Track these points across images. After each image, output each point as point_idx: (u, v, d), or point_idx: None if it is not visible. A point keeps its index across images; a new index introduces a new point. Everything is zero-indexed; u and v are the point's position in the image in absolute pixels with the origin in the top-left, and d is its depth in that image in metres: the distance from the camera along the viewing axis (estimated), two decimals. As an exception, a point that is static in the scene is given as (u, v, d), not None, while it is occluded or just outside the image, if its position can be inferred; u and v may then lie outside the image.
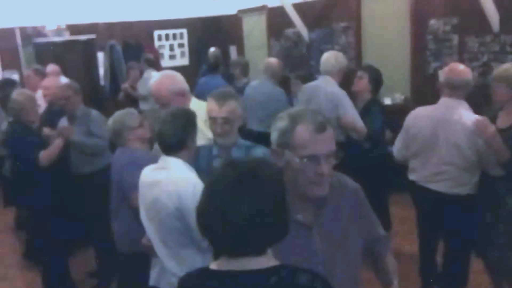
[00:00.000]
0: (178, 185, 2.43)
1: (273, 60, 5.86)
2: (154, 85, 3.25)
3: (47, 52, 9.00)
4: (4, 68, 8.20)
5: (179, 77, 3.29)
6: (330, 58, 4.53)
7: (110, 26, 9.35)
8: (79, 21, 9.03)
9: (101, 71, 9.33)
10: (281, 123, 1.67)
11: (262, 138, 5.41)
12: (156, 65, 8.01)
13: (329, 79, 4.47)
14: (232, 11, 9.75)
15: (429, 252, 3.85)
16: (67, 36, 9.14)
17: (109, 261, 4.18)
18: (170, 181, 2.46)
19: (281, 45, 8.65)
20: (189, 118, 2.58)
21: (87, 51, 9.42)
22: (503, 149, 3.12)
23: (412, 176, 3.64)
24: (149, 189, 2.57)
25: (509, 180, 3.22)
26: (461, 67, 3.48)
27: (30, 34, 8.79)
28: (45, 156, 4.06)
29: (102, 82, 9.33)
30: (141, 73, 7.93)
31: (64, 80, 7.09)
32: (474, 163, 3.30)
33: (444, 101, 3.43)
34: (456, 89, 3.37)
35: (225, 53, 9.80)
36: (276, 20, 8.53)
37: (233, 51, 9.96)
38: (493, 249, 3.41)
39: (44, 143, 4.20)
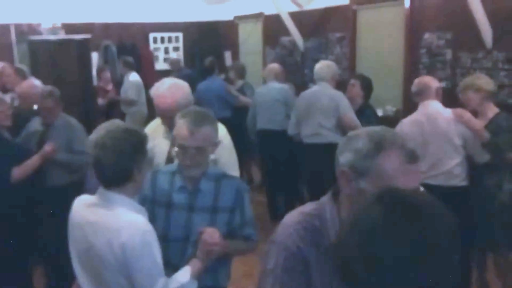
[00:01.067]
0: (122, 233, 1.87)
1: (273, 64, 6.42)
2: (162, 96, 2.81)
3: (41, 50, 8.97)
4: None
5: (187, 89, 2.93)
6: (323, 66, 5.03)
7: (106, 27, 9.34)
8: (74, 20, 9.02)
9: (95, 71, 9.31)
10: (360, 143, 1.40)
11: (271, 136, 5.71)
12: (133, 67, 7.96)
13: (327, 85, 4.93)
14: (229, 17, 9.77)
15: None
16: (62, 35, 9.11)
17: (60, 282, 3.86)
18: (111, 226, 1.91)
19: (276, 53, 8.68)
20: (138, 142, 1.99)
21: (81, 50, 9.38)
22: (482, 129, 3.66)
23: None
24: (81, 231, 2.00)
25: (495, 173, 3.66)
26: (424, 77, 4.25)
27: (25, 31, 8.76)
28: (18, 174, 3.75)
29: (95, 82, 9.31)
30: (115, 75, 7.98)
31: (36, 82, 7.13)
32: (462, 150, 3.72)
33: (421, 105, 3.99)
34: (422, 93, 3.98)
35: (220, 59, 9.83)
36: (272, 28, 8.56)
37: (228, 57, 9.98)
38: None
39: (18, 152, 3.89)
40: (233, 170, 2.95)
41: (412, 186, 1.35)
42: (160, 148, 2.83)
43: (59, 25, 9.04)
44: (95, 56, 9.36)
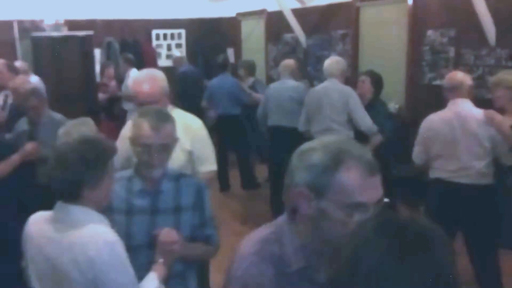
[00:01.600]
0: (88, 247, 1.75)
1: (288, 60, 6.24)
2: (143, 82, 2.82)
3: (44, 46, 8.97)
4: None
5: (165, 78, 2.96)
6: (333, 62, 5.07)
7: (108, 23, 9.34)
8: (77, 16, 9.03)
9: (98, 67, 9.31)
10: (315, 158, 1.28)
11: (283, 133, 5.71)
12: (134, 64, 7.95)
13: (336, 81, 4.95)
14: (231, 13, 9.76)
15: None
16: (64, 31, 9.12)
17: None
18: (75, 242, 1.78)
19: (278, 50, 8.67)
20: (93, 155, 1.84)
21: (84, 47, 9.38)
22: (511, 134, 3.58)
23: (435, 174, 3.83)
24: (41, 251, 1.86)
25: None
26: (458, 73, 3.97)
27: (28, 28, 8.76)
28: None
29: (98, 79, 9.31)
30: (117, 72, 7.98)
31: (34, 79, 7.13)
32: (490, 151, 3.64)
33: (451, 102, 3.79)
34: (455, 90, 3.77)
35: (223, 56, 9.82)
36: (275, 24, 8.55)
37: (230, 54, 9.97)
38: None
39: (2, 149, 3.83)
40: (209, 162, 2.99)
41: (375, 200, 1.27)
42: None
43: (62, 21, 9.04)
44: (97, 53, 9.36)
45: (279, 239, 1.36)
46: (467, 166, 3.65)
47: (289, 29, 8.00)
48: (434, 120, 3.84)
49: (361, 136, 4.68)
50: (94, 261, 1.74)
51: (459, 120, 3.69)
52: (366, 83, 5.04)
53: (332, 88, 4.91)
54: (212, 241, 2.33)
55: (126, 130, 2.79)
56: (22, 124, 4.25)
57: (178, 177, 2.25)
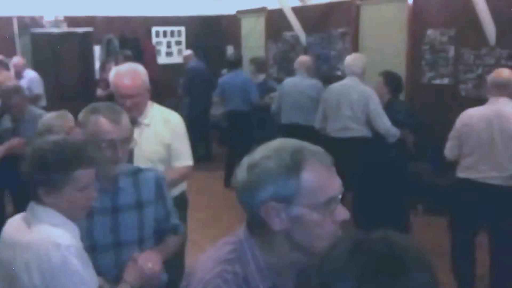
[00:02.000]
0: (38, 251, 1.65)
1: (304, 57, 6.22)
2: (124, 76, 2.77)
3: (43, 43, 8.98)
4: (-1, 57, 8.15)
5: (146, 73, 2.92)
6: (354, 59, 4.96)
7: (108, 20, 9.33)
8: (77, 13, 9.01)
9: (97, 64, 9.30)
10: (272, 165, 1.18)
11: (299, 131, 5.59)
12: (133, 61, 7.92)
13: (357, 79, 4.86)
14: (231, 11, 9.75)
15: (470, 250, 3.86)
16: (64, 28, 9.11)
17: None
18: (30, 245, 1.68)
19: (278, 48, 8.67)
20: (55, 155, 1.73)
21: (83, 43, 9.39)
22: None
23: (463, 174, 3.72)
24: (5, 253, 1.77)
25: None
26: (505, 70, 3.78)
27: (27, 24, 8.75)
28: None
29: (97, 76, 9.30)
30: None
31: (31, 73, 7.12)
32: None
33: (492, 100, 3.64)
34: (500, 87, 3.61)
35: (223, 53, 9.82)
36: (275, 22, 8.54)
37: (230, 51, 9.96)
38: None
39: None
40: (186, 157, 3.00)
41: (340, 189, 1.21)
42: None
43: (61, 18, 9.03)
44: (97, 50, 9.34)
45: (241, 257, 1.25)
46: (502, 168, 3.54)
47: (289, 27, 7.99)
48: (472, 115, 3.68)
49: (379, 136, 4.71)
50: (42, 265, 1.64)
51: (499, 119, 3.53)
52: (380, 84, 4.92)
53: (352, 87, 4.81)
54: (180, 231, 2.32)
55: None
56: (5, 122, 4.31)
57: (136, 172, 2.18)
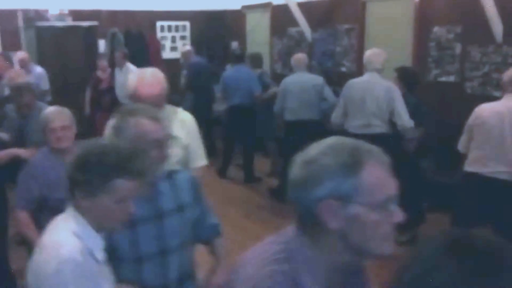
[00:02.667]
0: (41, 256, 1.62)
1: (301, 54, 6.33)
2: (151, 85, 2.70)
3: (48, 36, 8.98)
4: (4, 50, 8.15)
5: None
6: (375, 54, 4.91)
7: (113, 14, 9.31)
8: (82, 7, 9.00)
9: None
10: (330, 163, 1.17)
11: (305, 126, 5.73)
12: (129, 59, 7.91)
13: (378, 75, 4.83)
14: (236, 6, 9.72)
15: None
16: (69, 22, 9.10)
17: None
18: (41, 246, 1.67)
19: (283, 44, 8.64)
20: (96, 158, 1.65)
21: (88, 37, 9.38)
22: None
23: (471, 168, 3.73)
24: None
25: None
26: None
27: (32, 17, 8.74)
28: None
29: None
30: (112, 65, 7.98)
31: (38, 69, 7.12)
32: None
33: (508, 96, 3.65)
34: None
35: (227, 49, 9.79)
36: (280, 18, 8.51)
37: (235, 46, 9.94)
38: None
39: None
40: (202, 157, 3.00)
41: (396, 188, 1.20)
42: None
43: (66, 11, 9.02)
44: (101, 44, 9.33)
45: (290, 258, 1.22)
46: (510, 163, 3.55)
47: (294, 22, 7.96)
48: (484, 109, 3.70)
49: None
50: (39, 269, 1.61)
51: (511, 114, 3.56)
52: (395, 80, 4.95)
53: (377, 83, 4.78)
54: (220, 229, 2.32)
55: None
56: (11, 112, 4.35)
57: (169, 174, 2.12)
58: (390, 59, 6.44)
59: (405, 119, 4.67)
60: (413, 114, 4.73)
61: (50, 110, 3.13)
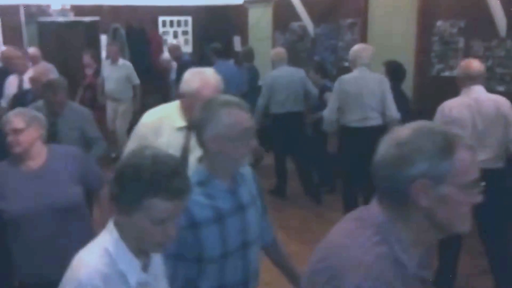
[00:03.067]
0: (65, 275, 1.52)
1: (280, 49, 6.59)
2: (216, 87, 2.64)
3: (50, 32, 8.97)
4: (6, 46, 8.14)
5: None
6: (367, 51, 5.04)
7: (115, 9, 9.29)
8: (84, 2, 8.98)
9: (103, 53, 9.28)
10: (427, 144, 1.26)
11: (292, 118, 5.97)
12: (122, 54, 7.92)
13: (368, 70, 4.99)
14: (239, 1, 9.69)
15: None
16: (71, 17, 9.09)
17: None
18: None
19: (285, 39, 8.61)
20: (134, 170, 1.47)
21: (90, 33, 9.37)
22: None
23: None
24: None
25: None
26: (475, 61, 3.98)
27: (34, 13, 8.73)
28: None
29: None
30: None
31: (47, 66, 7.10)
32: (506, 133, 3.74)
33: (466, 90, 3.84)
34: (476, 78, 3.84)
35: (230, 44, 9.77)
36: (282, 12, 8.49)
37: (237, 41, 9.92)
38: None
39: None
40: None
41: (478, 173, 1.29)
42: (174, 145, 2.63)
43: (68, 7, 9.00)
44: (103, 39, 9.32)
45: (387, 240, 1.28)
46: (484, 150, 3.65)
47: (297, 17, 7.94)
48: (452, 107, 3.82)
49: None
50: (61, 284, 1.51)
51: (479, 106, 3.73)
52: (384, 73, 5.16)
53: (370, 77, 4.95)
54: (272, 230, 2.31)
55: (152, 122, 2.72)
56: (38, 109, 4.00)
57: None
58: (392, 54, 6.43)
59: (394, 111, 4.86)
60: (399, 107, 4.97)
61: (10, 112, 2.87)
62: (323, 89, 6.08)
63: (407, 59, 6.27)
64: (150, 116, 2.78)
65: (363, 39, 6.97)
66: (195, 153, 2.54)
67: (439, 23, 5.91)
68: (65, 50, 9.19)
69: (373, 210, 1.35)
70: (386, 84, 4.93)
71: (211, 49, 7.51)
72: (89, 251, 1.52)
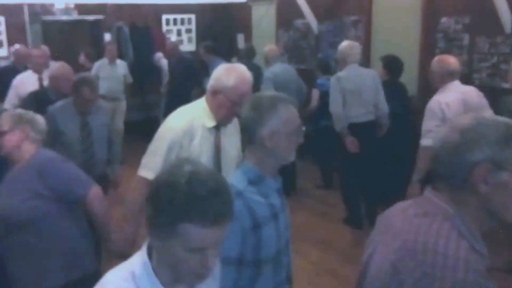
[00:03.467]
0: None
1: (273, 45, 6.74)
2: (250, 81, 2.62)
3: (54, 31, 8.97)
4: (10, 45, 8.15)
5: None
6: (356, 48, 5.17)
7: (118, 8, 9.28)
8: (87, 0, 8.97)
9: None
10: (492, 131, 1.33)
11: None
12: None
13: (359, 66, 5.15)
14: (242, -1, 9.68)
15: None
16: (75, 16, 9.09)
17: None
18: None
19: (289, 36, 8.60)
20: (167, 194, 1.29)
21: (94, 31, 9.37)
22: None
23: None
24: None
25: None
26: (451, 58, 4.19)
27: (38, 12, 8.74)
28: None
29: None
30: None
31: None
32: None
33: (449, 85, 4.00)
34: (454, 74, 4.04)
35: (233, 41, 9.76)
36: (286, 10, 8.47)
37: (240, 39, 9.90)
38: None
39: None
40: None
41: None
42: (205, 145, 2.60)
43: (72, 5, 9.00)
44: (107, 37, 9.32)
45: (461, 232, 1.34)
46: None
47: (300, 15, 7.92)
48: (448, 103, 3.89)
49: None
50: None
51: (468, 98, 3.93)
52: (380, 68, 5.41)
53: (364, 73, 5.13)
54: None
55: (183, 124, 2.59)
56: (69, 107, 4.01)
57: None
58: (397, 51, 6.41)
59: (385, 105, 5.08)
60: (397, 100, 5.21)
61: (8, 111, 2.84)
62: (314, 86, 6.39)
63: (412, 55, 6.26)
64: (179, 120, 2.62)
65: (367, 36, 6.95)
66: (226, 151, 2.62)
67: (443, 19, 5.89)
68: (69, 49, 9.19)
69: (436, 203, 1.40)
70: (378, 78, 5.14)
71: (202, 47, 7.51)
72: (116, 272, 1.39)
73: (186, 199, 1.24)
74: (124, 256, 2.53)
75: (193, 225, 1.23)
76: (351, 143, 4.99)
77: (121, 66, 7.78)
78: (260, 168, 1.89)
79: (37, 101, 4.35)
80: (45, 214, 2.53)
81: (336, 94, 5.06)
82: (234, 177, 1.88)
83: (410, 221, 1.41)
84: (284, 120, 1.85)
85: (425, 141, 3.87)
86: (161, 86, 8.61)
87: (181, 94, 7.12)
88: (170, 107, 3.47)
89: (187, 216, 1.23)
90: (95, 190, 2.68)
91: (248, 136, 1.89)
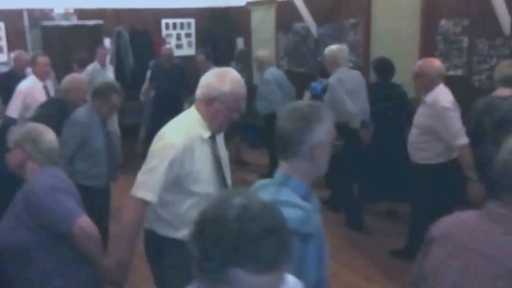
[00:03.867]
0: None
1: (266, 50, 7.00)
2: (243, 85, 2.52)
3: (53, 36, 8.98)
4: (10, 50, 8.15)
5: None
6: (345, 51, 5.38)
7: (118, 13, 9.29)
8: (87, 5, 8.99)
9: (108, 57, 9.28)
10: None
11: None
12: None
13: (349, 69, 5.42)
14: (241, 2, 9.68)
15: None
16: (74, 21, 9.10)
17: None
18: None
19: (288, 40, 8.60)
20: (217, 233, 1.15)
21: (93, 36, 9.37)
22: None
23: (441, 159, 4.18)
24: None
25: None
26: (436, 61, 4.33)
27: (37, 17, 8.74)
28: None
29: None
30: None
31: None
32: None
33: (441, 87, 4.19)
34: (443, 75, 4.23)
35: (233, 45, 9.77)
36: (285, 14, 8.48)
37: (240, 43, 9.91)
38: None
39: None
40: None
41: None
42: (203, 157, 2.51)
43: (71, 10, 9.02)
44: (107, 42, 9.33)
45: None
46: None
47: (299, 18, 7.92)
48: (453, 101, 4.14)
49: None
50: None
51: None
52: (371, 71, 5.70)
53: (355, 74, 5.38)
54: None
55: (183, 136, 2.46)
56: (91, 113, 3.95)
57: None
58: (396, 53, 6.41)
59: (367, 104, 5.30)
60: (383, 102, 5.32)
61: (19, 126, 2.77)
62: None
63: (411, 58, 6.23)
64: (176, 135, 2.45)
65: (366, 39, 6.95)
66: (224, 162, 2.58)
67: (442, 22, 5.88)
68: (68, 54, 9.18)
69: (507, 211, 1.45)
70: (363, 79, 5.43)
71: (202, 53, 7.45)
72: None
73: (236, 239, 1.06)
74: (117, 284, 2.45)
75: (244, 271, 1.06)
76: (367, 135, 5.31)
77: (110, 71, 7.86)
78: (304, 181, 1.76)
79: (61, 109, 4.22)
80: (30, 246, 2.38)
81: (343, 95, 5.13)
82: (283, 196, 1.67)
83: (503, 243, 1.41)
84: (328, 130, 1.76)
85: (463, 140, 4.02)
86: (139, 92, 8.24)
87: (172, 103, 7.06)
88: (160, 116, 3.39)
89: (237, 259, 1.06)
90: (81, 222, 2.39)
91: (294, 148, 1.73)
